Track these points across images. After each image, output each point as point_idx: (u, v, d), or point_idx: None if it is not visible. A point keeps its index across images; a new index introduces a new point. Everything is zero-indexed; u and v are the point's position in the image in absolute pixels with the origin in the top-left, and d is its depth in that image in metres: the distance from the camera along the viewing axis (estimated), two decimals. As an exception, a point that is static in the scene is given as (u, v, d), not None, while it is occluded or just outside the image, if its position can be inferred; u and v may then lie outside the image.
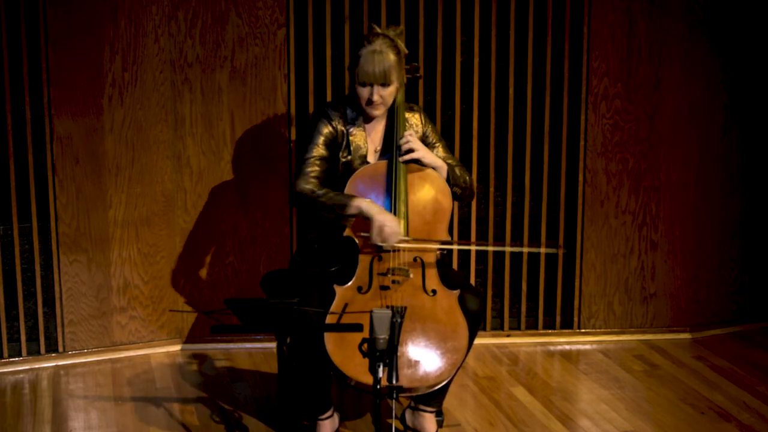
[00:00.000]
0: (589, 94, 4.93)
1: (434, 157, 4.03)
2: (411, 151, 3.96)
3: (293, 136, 4.86)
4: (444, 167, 4.02)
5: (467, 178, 4.09)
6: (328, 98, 4.83)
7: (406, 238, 3.87)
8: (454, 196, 4.05)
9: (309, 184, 3.92)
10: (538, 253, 5.04)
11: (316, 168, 3.96)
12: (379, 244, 3.83)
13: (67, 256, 4.75)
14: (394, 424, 3.75)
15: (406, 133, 4.00)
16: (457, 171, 4.05)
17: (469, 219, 5.00)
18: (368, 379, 3.63)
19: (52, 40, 4.60)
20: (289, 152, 4.86)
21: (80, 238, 4.76)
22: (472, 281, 5.02)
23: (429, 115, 4.89)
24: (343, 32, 4.80)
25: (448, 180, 4.02)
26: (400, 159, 3.95)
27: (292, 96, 4.85)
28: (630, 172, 5.00)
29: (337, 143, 4.00)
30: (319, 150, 3.98)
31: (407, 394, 3.88)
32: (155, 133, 4.79)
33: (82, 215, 4.75)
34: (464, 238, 5.02)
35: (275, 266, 4.83)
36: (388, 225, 3.81)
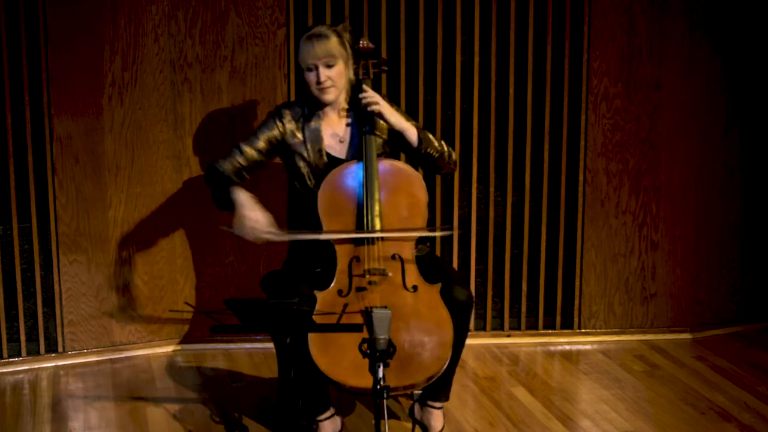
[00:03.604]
0: (589, 93, 4.93)
1: (399, 118, 3.98)
2: (375, 104, 3.92)
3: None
4: (412, 129, 3.97)
5: (442, 143, 4.03)
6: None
7: (275, 231, 3.86)
8: (431, 160, 4.00)
9: (227, 165, 3.98)
10: (539, 250, 5.04)
11: (245, 156, 4.00)
12: (241, 235, 3.85)
13: (67, 256, 4.75)
14: (387, 424, 3.73)
15: (367, 94, 3.95)
16: (429, 135, 4.01)
17: (470, 219, 5.00)
18: (356, 382, 3.65)
19: (52, 40, 4.60)
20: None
21: (80, 238, 4.76)
22: (472, 281, 5.01)
23: (429, 114, 4.91)
24: (343, 32, 4.80)
25: (419, 142, 3.97)
26: (365, 112, 3.93)
27: (292, 96, 4.84)
28: (630, 172, 5.00)
29: (286, 142, 4.02)
30: (258, 142, 4.02)
31: (400, 393, 3.87)
32: (155, 133, 4.79)
33: (82, 215, 4.75)
34: (465, 238, 5.02)
35: (275, 266, 4.82)
36: (248, 218, 3.84)
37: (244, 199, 3.89)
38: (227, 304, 3.51)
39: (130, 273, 4.85)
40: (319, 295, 3.82)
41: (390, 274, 3.85)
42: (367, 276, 3.84)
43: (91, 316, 4.83)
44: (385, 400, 3.46)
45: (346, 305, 3.78)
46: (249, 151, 4.01)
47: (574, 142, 4.98)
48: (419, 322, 3.81)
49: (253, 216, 3.86)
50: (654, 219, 5.05)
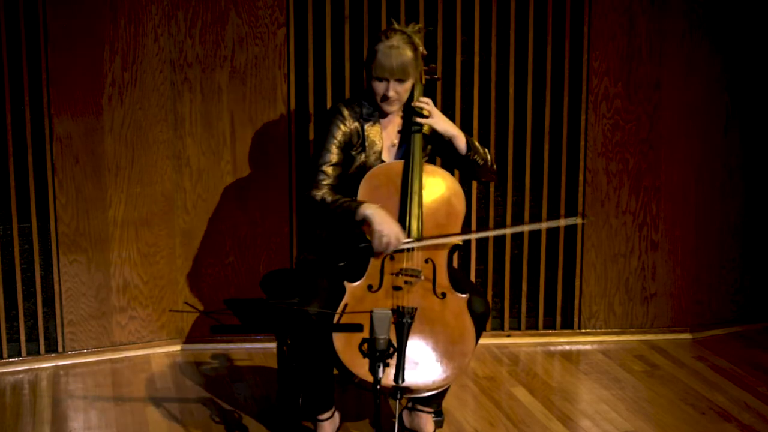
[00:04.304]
0: (589, 93, 4.93)
1: (449, 125, 3.99)
2: (427, 116, 3.94)
3: (293, 136, 4.86)
4: (461, 136, 3.98)
5: (486, 152, 4.06)
6: (328, 98, 4.83)
7: (409, 240, 3.85)
8: (476, 167, 4.02)
9: (320, 191, 3.90)
10: (539, 250, 5.03)
11: (329, 175, 3.93)
12: (382, 251, 3.81)
13: (67, 256, 4.75)
14: (397, 424, 3.74)
15: (423, 99, 3.98)
16: (476, 142, 4.04)
17: (470, 219, 4.99)
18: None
19: (52, 40, 4.60)
20: (289, 152, 4.86)
21: (80, 238, 4.76)
22: (472, 280, 5.01)
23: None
24: (343, 32, 4.80)
25: (467, 149, 3.98)
26: (415, 119, 3.94)
27: (292, 96, 4.84)
28: (630, 172, 5.00)
29: (351, 143, 3.98)
30: (332, 156, 3.94)
31: (409, 395, 3.87)
32: (155, 133, 4.79)
33: (82, 215, 4.75)
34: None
35: (275, 266, 4.83)
36: (385, 235, 3.78)
37: (377, 216, 3.80)
38: (227, 304, 3.51)
39: (130, 273, 4.85)
40: (348, 287, 3.82)
41: (423, 277, 3.85)
42: (402, 276, 3.84)
43: (91, 316, 4.82)
44: (398, 401, 3.47)
45: (345, 305, 3.78)
46: (329, 169, 3.93)
47: (574, 142, 4.98)
48: (444, 330, 3.82)
49: (387, 230, 3.79)
50: (654, 219, 5.05)
